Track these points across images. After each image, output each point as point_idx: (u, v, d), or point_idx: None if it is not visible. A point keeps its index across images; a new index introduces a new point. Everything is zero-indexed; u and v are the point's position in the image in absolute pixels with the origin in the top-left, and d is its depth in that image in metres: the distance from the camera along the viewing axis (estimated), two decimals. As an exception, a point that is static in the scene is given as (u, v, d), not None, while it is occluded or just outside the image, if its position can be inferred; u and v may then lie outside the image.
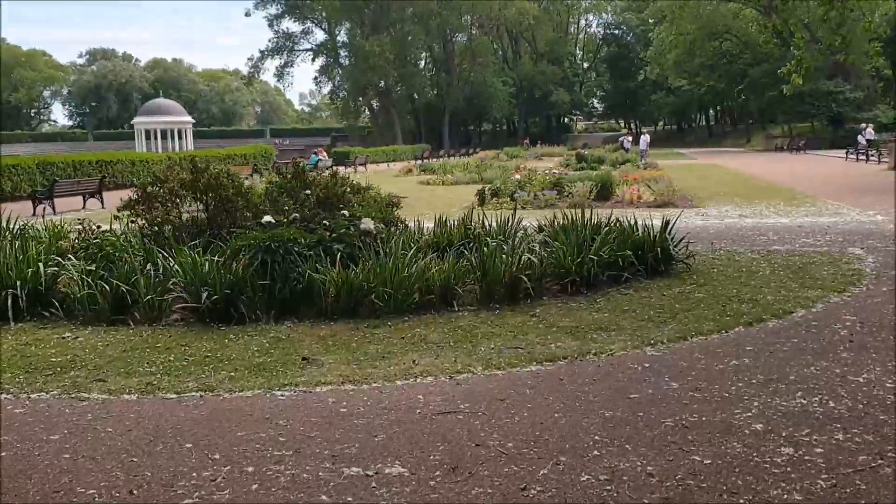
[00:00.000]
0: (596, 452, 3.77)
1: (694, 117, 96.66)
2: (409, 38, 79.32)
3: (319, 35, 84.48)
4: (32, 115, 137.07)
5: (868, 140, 34.51)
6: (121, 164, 28.05)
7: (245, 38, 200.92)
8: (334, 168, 15.37)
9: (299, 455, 3.85)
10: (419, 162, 39.08)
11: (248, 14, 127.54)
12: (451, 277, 7.03)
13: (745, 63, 59.46)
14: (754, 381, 4.77)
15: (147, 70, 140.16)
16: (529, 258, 7.32)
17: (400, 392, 4.82)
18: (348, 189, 8.82)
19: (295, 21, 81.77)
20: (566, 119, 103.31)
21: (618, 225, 8.43)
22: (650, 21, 75.24)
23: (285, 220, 7.49)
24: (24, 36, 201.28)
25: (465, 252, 7.69)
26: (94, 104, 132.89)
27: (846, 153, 35.62)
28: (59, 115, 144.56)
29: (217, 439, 4.10)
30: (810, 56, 12.51)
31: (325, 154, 39.60)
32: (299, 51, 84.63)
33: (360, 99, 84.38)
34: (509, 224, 8.87)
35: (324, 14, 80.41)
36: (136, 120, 69.09)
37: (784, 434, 3.91)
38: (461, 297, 7.15)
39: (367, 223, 7.57)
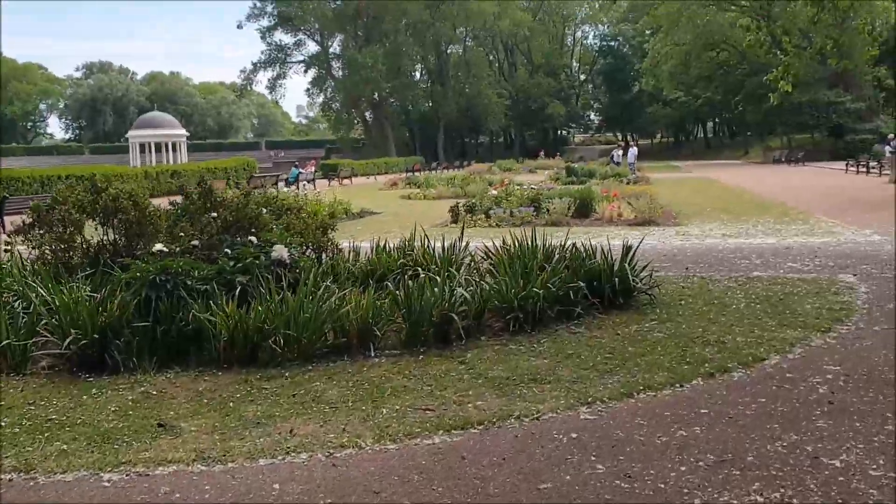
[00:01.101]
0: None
1: (691, 129, 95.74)
2: (403, 49, 78.57)
3: (312, 47, 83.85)
4: (28, 128, 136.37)
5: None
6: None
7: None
8: (308, 185, 14.48)
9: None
10: (406, 175, 38.07)
11: (239, 26, 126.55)
12: (371, 316, 6.02)
13: (743, 74, 58.52)
14: (702, 464, 3.75)
15: (144, 83, 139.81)
16: (463, 293, 6.31)
17: (255, 477, 3.81)
18: (267, 210, 7.82)
19: (287, 33, 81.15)
20: (563, 131, 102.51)
21: (572, 251, 7.43)
22: (646, 32, 74.53)
23: (180, 248, 6.49)
24: (21, 49, 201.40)
25: (405, 283, 6.70)
26: (89, 118, 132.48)
27: (846, 165, 34.65)
28: (56, 129, 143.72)
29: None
30: (799, 62, 11.56)
31: (313, 167, 38.73)
32: (292, 63, 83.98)
33: (353, 111, 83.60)
34: (458, 248, 7.89)
35: (316, 26, 79.76)
36: (131, 133, 68.51)
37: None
38: (385, 339, 6.15)
39: (280, 251, 6.58)
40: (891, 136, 38.50)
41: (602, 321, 6.73)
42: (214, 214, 6.95)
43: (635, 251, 7.59)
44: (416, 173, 48.70)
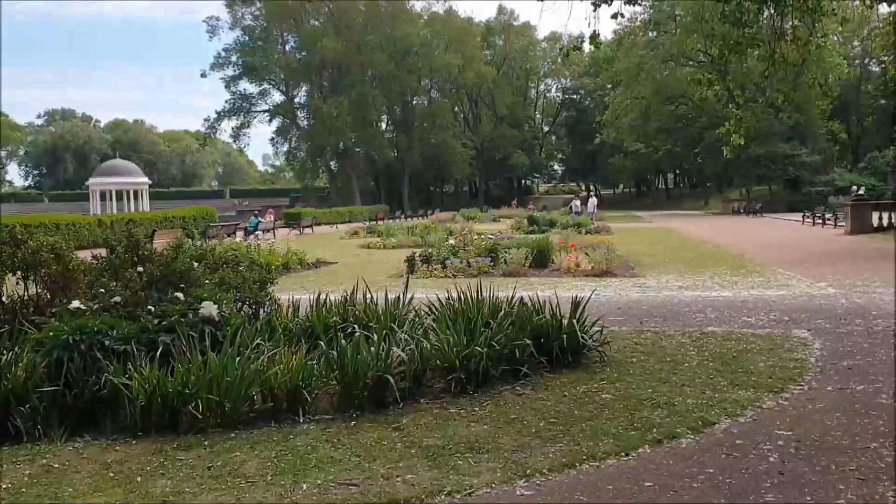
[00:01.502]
0: None
1: (653, 180, 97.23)
2: (369, 100, 79.01)
3: (277, 96, 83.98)
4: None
5: None
6: (42, 229, 26.35)
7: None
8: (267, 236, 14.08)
9: None
10: (366, 224, 37.81)
11: (203, 75, 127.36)
12: (302, 378, 5.66)
13: (701, 126, 59.68)
14: (642, 549, 3.44)
15: (106, 131, 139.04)
16: (401, 354, 5.96)
17: (147, 569, 3.41)
18: (201, 264, 7.45)
19: (252, 82, 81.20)
20: (527, 181, 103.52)
21: (519, 306, 7.15)
22: (608, 86, 75.95)
23: (100, 304, 6.08)
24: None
25: (338, 342, 6.35)
26: (50, 165, 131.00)
27: (803, 217, 35.14)
28: (15, 176, 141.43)
29: None
30: (751, 115, 11.60)
31: (272, 216, 38.30)
32: (256, 112, 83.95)
33: (318, 160, 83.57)
34: (402, 302, 7.58)
35: (282, 76, 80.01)
36: (91, 181, 67.48)
37: None
38: (316, 402, 5.77)
39: (209, 308, 6.20)
40: (854, 187, 39.25)
41: (550, 381, 6.43)
42: (140, 269, 6.56)
43: (585, 306, 7.33)
44: (380, 222, 48.58)
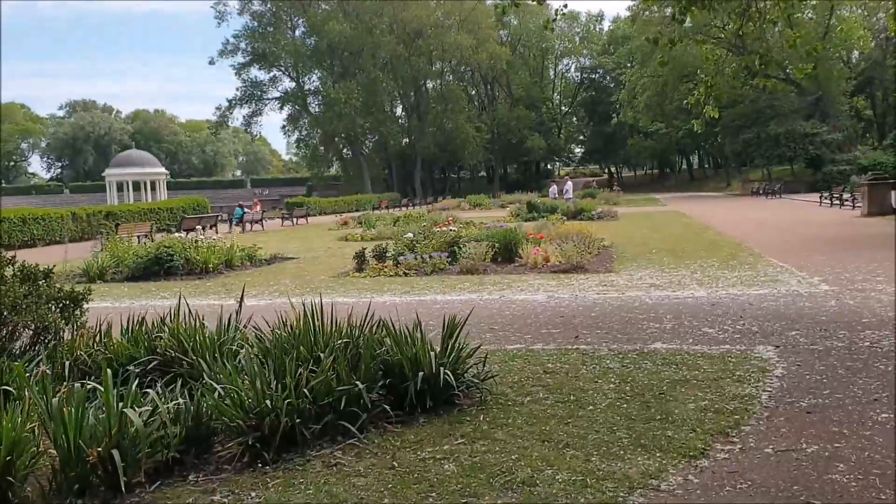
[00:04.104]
0: None
1: (675, 161, 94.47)
2: (380, 84, 77.30)
3: (287, 83, 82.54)
4: (10, 167, 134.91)
5: None
6: (7, 223, 25.10)
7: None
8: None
9: None
10: (359, 214, 36.19)
11: (212, 62, 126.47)
12: (10, 450, 4.02)
13: (720, 105, 57.14)
14: None
15: (127, 122, 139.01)
16: (137, 421, 4.26)
17: None
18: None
19: (261, 69, 79.77)
20: (547, 165, 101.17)
21: (371, 332, 5.45)
22: (628, 64, 73.54)
23: None
24: (5, 91, 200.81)
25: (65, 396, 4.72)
26: (71, 156, 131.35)
27: (820, 198, 32.92)
28: (38, 168, 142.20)
29: None
30: (722, 81, 9.75)
31: (259, 206, 36.89)
32: (268, 99, 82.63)
33: (329, 147, 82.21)
34: (236, 324, 5.94)
35: (291, 62, 78.49)
36: (108, 172, 67.09)
37: None
38: (39, 481, 4.14)
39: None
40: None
41: (389, 439, 4.74)
42: None
43: (462, 328, 5.62)
44: (383, 210, 47.06)
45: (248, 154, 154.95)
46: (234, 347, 5.52)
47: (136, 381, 4.69)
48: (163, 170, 69.88)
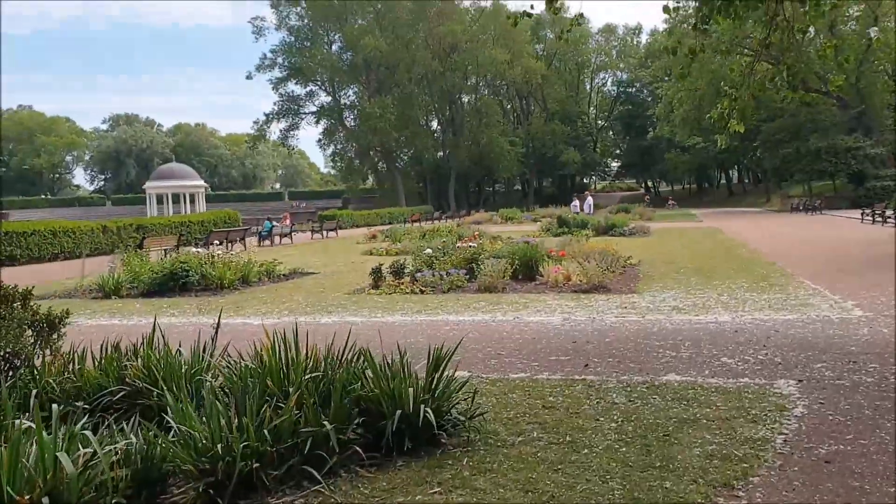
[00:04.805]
0: None
1: (714, 175, 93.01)
2: (416, 99, 77.40)
3: (324, 97, 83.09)
4: (55, 180, 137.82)
5: None
6: (37, 236, 25.29)
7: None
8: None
9: None
10: (387, 227, 35.94)
11: (249, 77, 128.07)
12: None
13: (759, 119, 56.07)
14: None
15: (169, 135, 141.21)
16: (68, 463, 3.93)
17: None
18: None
19: (298, 84, 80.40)
20: (583, 178, 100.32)
21: (342, 367, 5.07)
22: (665, 77, 72.59)
23: None
24: (52, 104, 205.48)
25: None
26: (114, 169, 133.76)
27: (861, 215, 31.87)
28: (82, 180, 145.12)
29: None
30: (747, 94, 9.23)
31: (288, 220, 36.87)
32: (305, 113, 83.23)
33: (365, 160, 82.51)
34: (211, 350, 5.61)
35: (327, 77, 78.97)
36: (148, 185, 68.10)
37: None
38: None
39: None
40: None
41: (359, 485, 4.35)
42: None
43: (449, 360, 5.22)
44: (415, 224, 46.81)
45: (286, 167, 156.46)
46: (207, 378, 5.18)
47: (92, 416, 4.38)
48: (201, 182, 70.70)
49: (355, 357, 5.22)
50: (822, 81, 45.11)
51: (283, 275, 16.74)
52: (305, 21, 79.52)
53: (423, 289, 13.43)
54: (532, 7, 8.05)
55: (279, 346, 5.10)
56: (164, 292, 14.24)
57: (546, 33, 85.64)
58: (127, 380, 5.23)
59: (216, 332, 5.84)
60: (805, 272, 14.37)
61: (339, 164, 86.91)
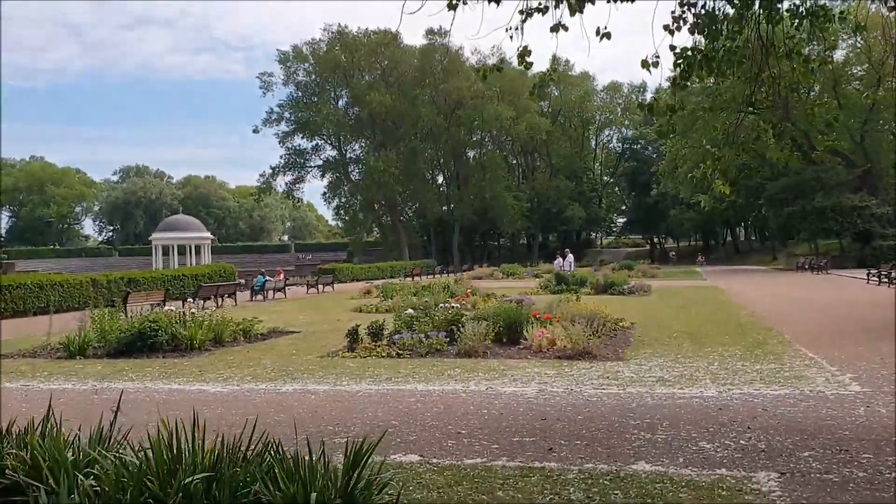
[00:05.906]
0: None
1: (720, 232, 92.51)
2: (421, 153, 77.71)
3: (330, 151, 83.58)
4: (63, 230, 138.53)
5: None
6: (22, 289, 24.80)
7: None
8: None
9: None
10: (381, 282, 35.35)
11: (255, 131, 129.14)
12: None
13: (764, 177, 55.76)
14: None
15: (178, 187, 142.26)
16: None
17: None
18: None
19: (304, 138, 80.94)
20: (588, 234, 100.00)
21: (236, 468, 4.42)
22: (671, 134, 72.63)
23: None
24: (63, 155, 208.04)
25: None
26: (122, 220, 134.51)
27: (868, 275, 31.14)
28: (91, 231, 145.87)
29: None
30: (729, 155, 8.73)
31: (282, 275, 36.41)
32: (310, 167, 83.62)
33: (370, 214, 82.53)
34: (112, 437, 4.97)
35: (332, 131, 79.52)
36: (154, 236, 68.16)
37: None
38: None
39: None
40: None
41: None
42: None
43: (370, 454, 4.56)
44: (415, 278, 46.31)
45: (294, 219, 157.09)
46: (96, 471, 4.54)
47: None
48: (207, 234, 70.68)
49: (266, 449, 4.58)
50: (807, 139, 44.88)
51: (261, 334, 16.12)
52: (313, 76, 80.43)
53: (401, 352, 12.80)
54: (526, 67, 7.48)
55: (177, 436, 4.46)
56: (131, 353, 13.61)
57: (551, 90, 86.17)
58: (7, 472, 4.59)
59: (115, 417, 5.19)
60: (803, 339, 13.68)
61: (343, 217, 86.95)
